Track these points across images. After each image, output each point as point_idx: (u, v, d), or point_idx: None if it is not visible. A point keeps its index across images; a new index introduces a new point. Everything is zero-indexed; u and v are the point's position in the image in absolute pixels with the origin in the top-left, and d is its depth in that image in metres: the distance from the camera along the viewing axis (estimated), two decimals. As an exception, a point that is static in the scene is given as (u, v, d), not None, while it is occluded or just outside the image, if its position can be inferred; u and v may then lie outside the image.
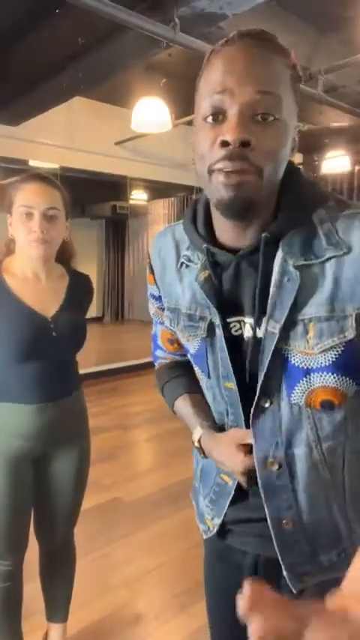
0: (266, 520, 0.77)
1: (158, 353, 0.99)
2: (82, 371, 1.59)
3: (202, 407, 0.87)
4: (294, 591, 0.77)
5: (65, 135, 5.01)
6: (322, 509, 0.75)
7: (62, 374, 1.47)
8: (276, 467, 0.74)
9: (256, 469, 0.75)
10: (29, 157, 4.97)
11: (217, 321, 0.76)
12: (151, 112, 3.98)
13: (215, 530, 0.87)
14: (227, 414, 0.82)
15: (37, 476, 1.51)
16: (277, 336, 0.70)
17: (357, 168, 5.91)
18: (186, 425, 0.91)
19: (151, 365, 1.04)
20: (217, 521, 0.86)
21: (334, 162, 5.70)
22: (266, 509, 0.75)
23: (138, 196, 7.51)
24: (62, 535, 1.61)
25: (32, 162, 5.06)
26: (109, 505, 2.73)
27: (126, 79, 3.91)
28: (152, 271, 0.90)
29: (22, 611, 1.56)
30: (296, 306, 0.69)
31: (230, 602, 0.84)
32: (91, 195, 6.85)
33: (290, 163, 0.73)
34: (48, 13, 2.89)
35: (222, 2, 2.42)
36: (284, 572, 0.77)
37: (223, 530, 0.87)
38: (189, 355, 0.86)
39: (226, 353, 0.76)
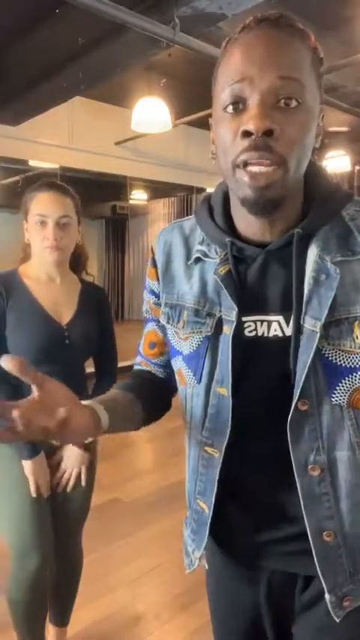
0: (293, 539, 0.73)
1: (137, 358, 0.95)
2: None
3: (115, 398, 0.80)
4: (336, 619, 0.71)
5: (65, 135, 5.02)
6: None
7: (70, 378, 1.48)
8: (317, 472, 0.69)
9: (295, 477, 0.69)
10: (29, 157, 4.97)
11: (231, 316, 0.71)
12: (151, 112, 3.98)
13: (196, 564, 0.82)
14: (202, 429, 0.76)
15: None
16: (318, 334, 0.66)
17: (357, 168, 5.91)
18: (160, 415, 0.91)
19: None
20: (198, 554, 0.81)
21: (334, 162, 5.70)
22: (306, 521, 0.70)
23: (138, 196, 7.51)
24: (71, 533, 1.62)
25: (32, 162, 5.06)
26: (108, 505, 2.73)
27: (126, 79, 3.91)
28: (155, 265, 0.85)
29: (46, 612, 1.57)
30: (336, 304, 0.66)
31: (242, 619, 0.84)
32: (91, 195, 6.85)
33: (313, 161, 0.71)
34: (48, 13, 2.89)
35: (222, 2, 2.42)
36: (326, 596, 0.71)
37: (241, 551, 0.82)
38: (177, 360, 0.81)
39: (229, 352, 0.71)
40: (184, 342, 0.78)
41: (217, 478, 0.75)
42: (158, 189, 7.17)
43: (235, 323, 0.71)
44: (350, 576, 0.72)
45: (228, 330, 0.72)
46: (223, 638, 0.91)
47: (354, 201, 0.72)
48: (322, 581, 0.71)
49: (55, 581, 1.65)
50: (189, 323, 0.77)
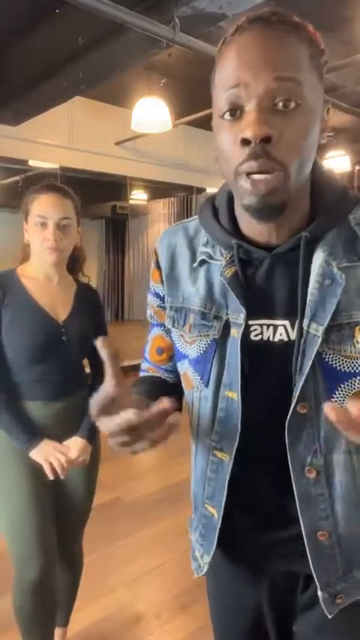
0: (294, 540, 0.73)
1: (143, 365, 0.94)
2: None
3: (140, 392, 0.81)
4: (329, 616, 0.73)
5: (65, 135, 5.01)
6: (358, 520, 0.72)
7: (68, 374, 1.52)
8: (314, 474, 0.70)
9: (292, 479, 0.70)
10: (29, 157, 4.97)
11: (239, 319, 0.71)
12: (151, 112, 3.98)
13: (205, 569, 0.82)
14: (211, 433, 0.76)
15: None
16: (319, 339, 0.66)
17: (357, 168, 5.91)
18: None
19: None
20: (207, 559, 0.81)
21: (334, 162, 5.69)
22: (301, 521, 0.71)
23: (138, 196, 7.51)
24: (73, 535, 1.62)
25: (32, 162, 5.05)
26: (109, 505, 2.72)
27: (126, 79, 3.91)
28: (159, 268, 0.84)
29: (54, 619, 1.54)
30: (339, 309, 0.66)
31: (244, 618, 0.84)
32: (91, 195, 6.85)
33: (320, 165, 0.71)
34: (48, 13, 2.89)
35: (222, 2, 2.42)
36: (319, 593, 0.72)
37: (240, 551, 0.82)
38: (183, 363, 0.80)
39: (239, 355, 0.70)
40: (191, 345, 0.77)
41: (227, 482, 0.75)
42: (158, 190, 7.17)
43: (243, 326, 0.70)
44: (343, 575, 0.73)
45: (236, 334, 0.71)
46: (223, 638, 0.91)
47: None
48: (315, 580, 0.72)
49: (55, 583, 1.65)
50: (196, 326, 0.76)
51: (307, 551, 0.71)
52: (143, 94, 4.00)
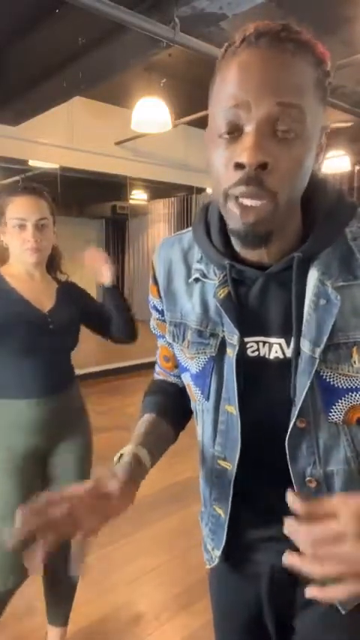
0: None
1: (156, 367, 0.97)
2: (82, 371, 1.64)
3: (150, 430, 0.83)
4: (342, 611, 0.74)
5: (65, 135, 5.02)
6: None
7: (57, 369, 1.53)
8: (314, 484, 0.71)
9: (294, 488, 0.72)
10: (29, 157, 4.98)
11: (233, 340, 0.72)
12: (151, 112, 3.98)
13: (216, 562, 0.84)
14: (214, 443, 0.78)
15: (43, 473, 1.52)
16: (317, 360, 0.66)
17: (357, 168, 5.91)
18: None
19: (152, 365, 1.04)
20: (217, 552, 0.83)
21: (334, 162, 5.69)
22: None
23: (138, 196, 7.51)
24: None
25: (32, 162, 5.06)
26: (109, 505, 2.72)
27: (126, 79, 3.91)
28: (156, 283, 0.84)
29: None
30: (335, 329, 0.66)
31: (244, 614, 0.85)
32: (91, 195, 6.85)
33: (314, 174, 0.69)
34: (48, 13, 2.90)
35: (222, 2, 2.42)
36: None
37: (242, 548, 0.84)
38: (186, 376, 0.82)
39: (234, 374, 0.72)
40: (191, 361, 0.79)
41: (231, 488, 0.77)
42: (158, 189, 7.17)
43: (237, 347, 0.71)
44: None
45: (231, 354, 0.72)
46: (224, 634, 0.92)
47: (357, 216, 0.70)
48: None
49: (54, 582, 1.65)
50: (193, 344, 0.78)
51: None
52: (143, 94, 4.01)
